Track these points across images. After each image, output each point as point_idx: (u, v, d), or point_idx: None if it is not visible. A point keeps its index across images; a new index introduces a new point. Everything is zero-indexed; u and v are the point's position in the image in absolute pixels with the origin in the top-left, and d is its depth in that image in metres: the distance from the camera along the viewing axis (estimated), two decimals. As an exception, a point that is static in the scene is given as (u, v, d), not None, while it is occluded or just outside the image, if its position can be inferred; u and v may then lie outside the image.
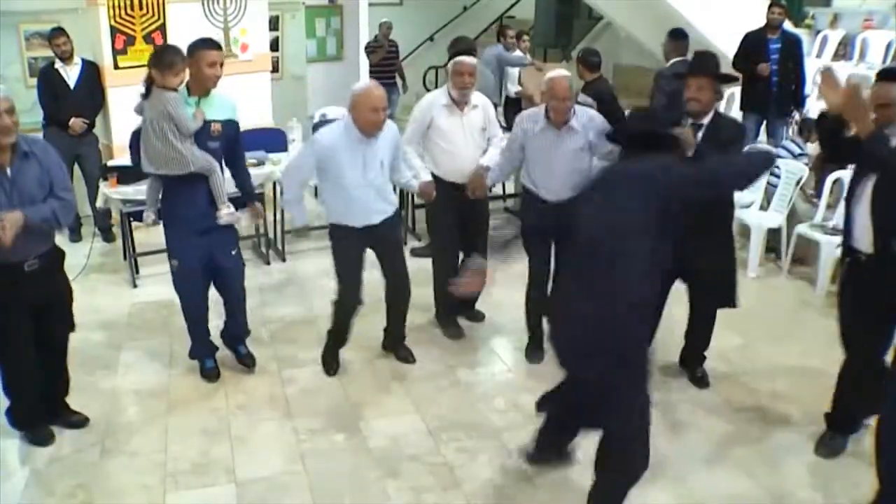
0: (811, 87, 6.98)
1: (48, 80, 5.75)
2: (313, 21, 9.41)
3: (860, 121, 2.97)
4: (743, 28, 6.84)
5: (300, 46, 8.19)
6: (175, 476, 3.33)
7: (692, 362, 4.11)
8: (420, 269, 4.53)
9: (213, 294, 4.05)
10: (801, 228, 5.39)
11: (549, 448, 3.19)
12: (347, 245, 3.94)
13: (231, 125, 3.82)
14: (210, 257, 3.86)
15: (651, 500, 3.12)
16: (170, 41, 5.61)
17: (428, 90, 8.68)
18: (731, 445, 3.55)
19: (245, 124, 4.19)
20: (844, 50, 8.32)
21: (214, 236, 3.83)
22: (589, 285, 2.64)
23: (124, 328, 4.70)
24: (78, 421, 3.65)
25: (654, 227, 2.59)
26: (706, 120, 3.66)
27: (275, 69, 7.46)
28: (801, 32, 7.92)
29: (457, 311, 4.68)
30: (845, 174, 5.17)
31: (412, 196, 6.19)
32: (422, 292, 4.66)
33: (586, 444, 3.05)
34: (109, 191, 5.12)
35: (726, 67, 4.47)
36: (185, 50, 3.65)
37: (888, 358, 3.27)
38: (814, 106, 7.56)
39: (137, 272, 5.36)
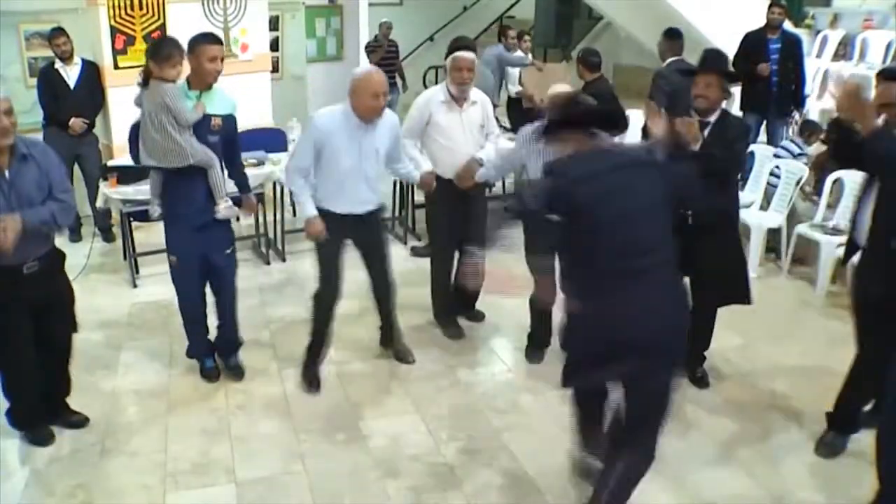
0: (811, 87, 6.99)
1: (48, 80, 5.75)
2: (313, 21, 9.42)
3: (863, 119, 2.97)
4: (743, 28, 6.84)
5: (300, 46, 8.18)
6: (175, 476, 3.33)
7: (692, 362, 4.10)
8: (420, 269, 4.53)
9: (212, 295, 4.04)
10: (801, 228, 5.39)
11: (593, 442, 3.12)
12: (329, 231, 3.81)
13: (230, 120, 3.82)
14: (205, 254, 3.86)
15: (651, 500, 3.11)
16: (170, 41, 5.61)
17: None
18: (732, 445, 3.55)
19: (245, 124, 4.19)
20: (844, 50, 8.32)
21: (211, 233, 3.83)
22: (648, 274, 2.62)
23: (124, 328, 4.70)
24: (78, 421, 3.65)
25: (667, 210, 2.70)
26: (713, 118, 3.66)
27: (275, 69, 7.46)
28: (801, 32, 7.93)
29: (456, 311, 4.67)
30: (845, 174, 5.19)
31: (412, 196, 6.19)
32: (422, 292, 4.67)
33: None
34: (109, 191, 5.12)
35: (727, 67, 4.47)
36: (185, 44, 3.65)
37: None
38: (814, 106, 7.59)
39: (137, 272, 5.37)
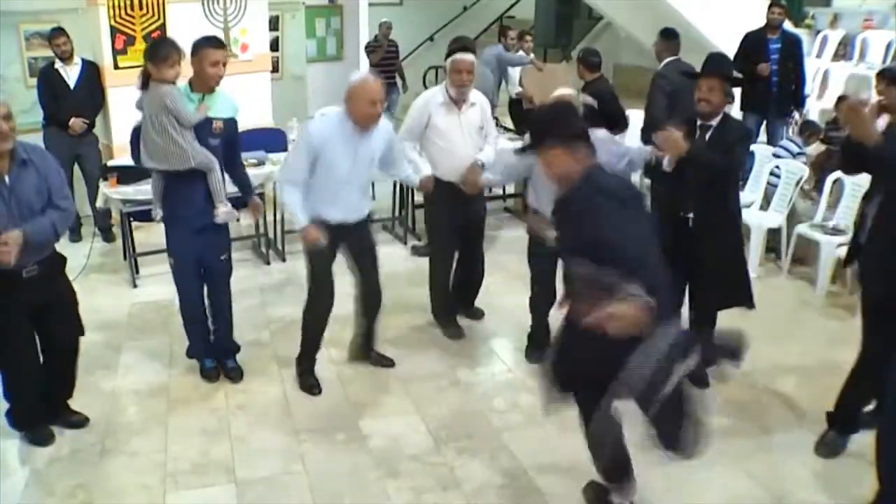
0: (811, 87, 6.99)
1: (48, 80, 5.75)
2: (313, 21, 9.42)
3: (865, 136, 2.97)
4: (743, 28, 6.85)
5: (300, 46, 8.19)
6: (175, 476, 3.33)
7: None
8: (420, 269, 4.53)
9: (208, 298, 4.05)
10: (801, 228, 5.39)
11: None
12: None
13: (232, 123, 3.82)
14: (201, 256, 3.86)
15: (651, 500, 3.12)
16: (170, 41, 5.61)
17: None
18: (732, 445, 3.55)
19: (245, 124, 4.18)
20: (844, 50, 8.33)
21: (208, 236, 3.83)
22: None
23: (124, 328, 4.70)
24: (78, 421, 3.65)
25: None
26: (715, 122, 3.65)
27: (275, 69, 7.46)
28: (801, 32, 7.94)
29: (456, 310, 4.67)
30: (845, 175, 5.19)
31: (412, 196, 6.19)
32: (422, 292, 4.67)
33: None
34: (109, 191, 5.12)
35: (727, 67, 4.47)
36: (188, 47, 3.64)
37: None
38: (813, 106, 7.59)
39: (137, 272, 5.36)
